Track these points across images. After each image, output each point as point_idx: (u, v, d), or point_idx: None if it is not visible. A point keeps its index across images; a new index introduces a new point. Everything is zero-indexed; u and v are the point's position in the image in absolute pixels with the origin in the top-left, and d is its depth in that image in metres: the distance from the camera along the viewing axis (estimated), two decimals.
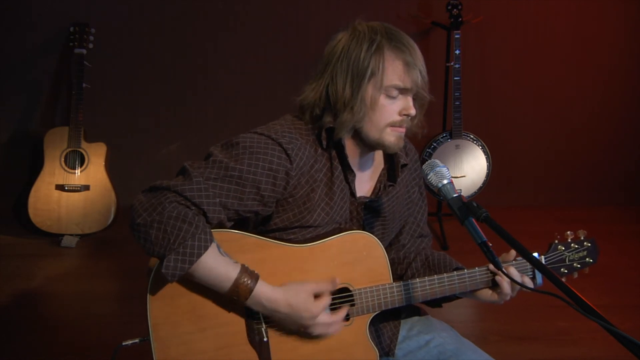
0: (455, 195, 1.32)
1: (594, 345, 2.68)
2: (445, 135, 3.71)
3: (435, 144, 3.70)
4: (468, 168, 3.76)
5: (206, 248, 1.32)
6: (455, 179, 3.69)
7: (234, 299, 1.36)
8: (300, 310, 1.38)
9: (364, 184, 1.58)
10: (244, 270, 1.36)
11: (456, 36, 3.65)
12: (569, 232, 1.61)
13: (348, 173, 1.51)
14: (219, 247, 1.36)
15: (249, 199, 1.39)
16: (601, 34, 4.34)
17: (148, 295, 1.37)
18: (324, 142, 1.47)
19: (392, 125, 1.44)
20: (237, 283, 1.34)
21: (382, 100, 1.41)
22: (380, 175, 1.60)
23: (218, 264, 1.34)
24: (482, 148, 3.76)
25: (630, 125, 4.53)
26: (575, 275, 1.63)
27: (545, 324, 2.85)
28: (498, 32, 4.27)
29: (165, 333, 1.38)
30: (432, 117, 1.51)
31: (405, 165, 1.60)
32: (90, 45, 3.83)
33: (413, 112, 1.44)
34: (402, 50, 1.40)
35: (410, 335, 1.63)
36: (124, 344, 1.42)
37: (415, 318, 1.67)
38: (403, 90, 1.42)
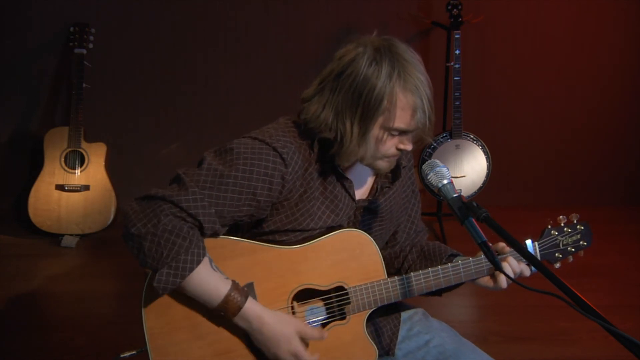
0: (455, 195, 1.32)
1: (594, 345, 2.68)
2: (445, 135, 3.71)
3: (435, 144, 3.70)
4: (468, 168, 3.75)
5: (198, 263, 1.32)
6: (455, 179, 3.69)
7: (221, 315, 1.36)
8: (283, 342, 1.38)
9: (361, 186, 1.58)
10: (235, 287, 1.35)
11: (456, 36, 3.65)
12: (561, 217, 1.61)
13: (343, 181, 1.51)
14: (211, 262, 1.36)
15: (245, 204, 1.39)
16: (601, 34, 4.34)
17: (142, 305, 1.37)
18: (316, 150, 1.46)
19: (387, 156, 1.46)
20: (226, 299, 1.34)
21: (384, 137, 1.41)
22: (377, 176, 1.60)
23: (209, 279, 1.34)
24: (482, 148, 3.76)
25: (630, 125, 4.53)
26: (570, 259, 1.63)
27: (545, 324, 2.85)
28: (498, 32, 4.27)
29: (162, 342, 1.37)
30: (432, 133, 1.50)
31: (404, 167, 1.61)
32: (90, 45, 3.83)
33: (409, 148, 1.44)
34: (414, 94, 1.37)
35: (409, 335, 1.63)
36: (121, 355, 1.41)
37: (415, 318, 1.67)
38: (406, 131, 1.42)
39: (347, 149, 1.41)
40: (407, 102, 1.37)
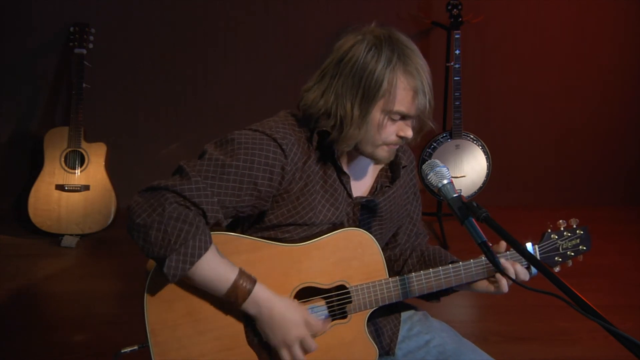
0: (455, 195, 1.32)
1: (594, 345, 2.68)
2: (445, 135, 3.71)
3: (435, 144, 3.70)
4: (468, 168, 3.76)
5: (206, 249, 1.32)
6: (455, 179, 3.69)
7: (230, 301, 1.36)
8: (292, 328, 1.39)
9: (361, 183, 1.58)
10: (242, 273, 1.36)
11: (456, 36, 3.65)
12: (561, 221, 1.61)
13: (341, 175, 1.52)
14: (217, 249, 1.36)
15: (247, 194, 1.39)
16: (601, 34, 4.34)
17: (145, 300, 1.37)
18: (314, 144, 1.47)
19: (387, 144, 1.45)
20: (235, 285, 1.34)
21: (384, 121, 1.41)
22: (378, 175, 1.60)
23: (217, 265, 1.34)
24: (482, 148, 3.76)
25: (630, 125, 4.53)
26: (570, 263, 1.63)
27: (546, 324, 2.85)
28: (498, 32, 4.27)
29: (164, 338, 1.37)
30: (432, 117, 1.50)
31: (404, 166, 1.61)
32: (90, 45, 3.83)
33: (410, 135, 1.44)
34: (414, 77, 1.38)
35: (410, 335, 1.63)
36: (122, 351, 1.41)
37: (416, 318, 1.67)
38: (406, 116, 1.42)
39: (347, 132, 1.41)
40: (407, 84, 1.38)
